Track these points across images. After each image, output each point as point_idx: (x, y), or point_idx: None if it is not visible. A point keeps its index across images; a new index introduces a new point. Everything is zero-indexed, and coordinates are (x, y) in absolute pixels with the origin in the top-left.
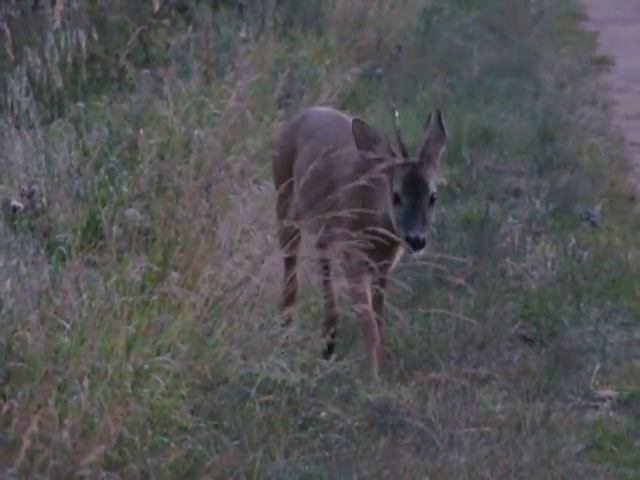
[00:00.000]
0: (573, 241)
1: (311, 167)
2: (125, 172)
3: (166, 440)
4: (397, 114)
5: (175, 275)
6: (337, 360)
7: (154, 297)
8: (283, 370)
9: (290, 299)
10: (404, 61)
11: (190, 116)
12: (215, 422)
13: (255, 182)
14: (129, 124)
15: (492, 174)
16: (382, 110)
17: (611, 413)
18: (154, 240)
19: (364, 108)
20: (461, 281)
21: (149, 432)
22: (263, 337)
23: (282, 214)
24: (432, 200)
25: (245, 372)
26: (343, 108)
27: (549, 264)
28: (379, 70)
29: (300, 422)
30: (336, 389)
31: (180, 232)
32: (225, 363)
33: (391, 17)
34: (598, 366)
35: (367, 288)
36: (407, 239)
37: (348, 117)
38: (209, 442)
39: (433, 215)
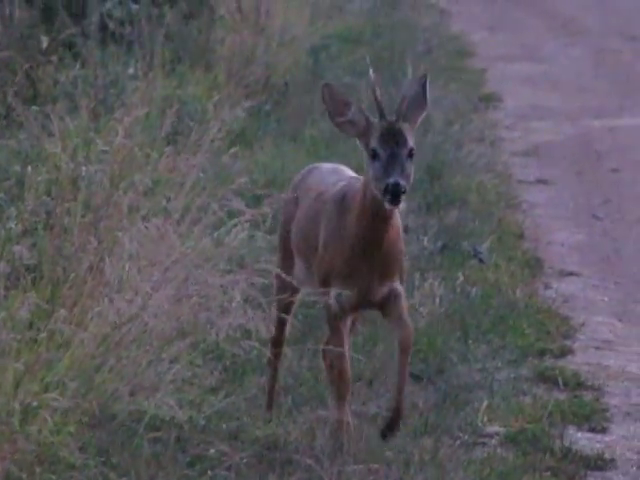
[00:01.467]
0: (461, 278)
1: (302, 225)
2: (12, 209)
3: (54, 477)
4: (372, 72)
5: (63, 312)
6: (225, 397)
7: (42, 334)
8: (171, 407)
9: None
10: (292, 98)
11: (78, 153)
12: (103, 459)
13: (144, 218)
14: (17, 161)
15: None
16: (270, 147)
17: (499, 449)
18: (42, 277)
19: (253, 145)
20: None
21: (37, 469)
22: (151, 374)
23: (282, 272)
24: (411, 154)
25: (133, 409)
26: (232, 145)
27: (437, 301)
28: (267, 107)
29: (188, 459)
30: (224, 426)
31: (68, 269)
32: (113, 400)
33: (279, 54)
34: (486, 403)
35: (344, 341)
36: (385, 188)
37: (349, 170)
38: (97, 479)
39: (412, 171)
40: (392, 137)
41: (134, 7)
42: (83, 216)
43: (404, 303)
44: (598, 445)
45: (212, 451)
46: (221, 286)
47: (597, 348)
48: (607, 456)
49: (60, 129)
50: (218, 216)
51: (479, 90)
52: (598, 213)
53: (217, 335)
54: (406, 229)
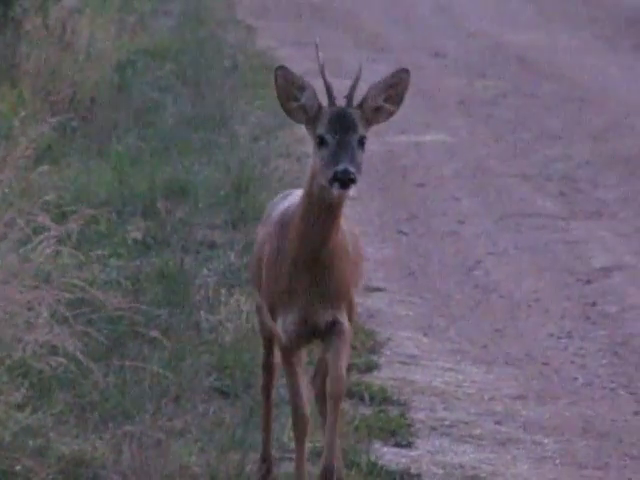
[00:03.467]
0: None
1: (254, 255)
2: None
3: None
4: (320, 54)
5: None
6: (32, 413)
7: None
8: None
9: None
10: (99, 114)
11: None
12: None
13: None
14: None
15: (186, 226)
16: (77, 163)
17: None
18: None
19: (59, 161)
20: (156, 333)
21: None
22: None
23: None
24: (361, 142)
25: None
26: (39, 161)
27: (244, 316)
28: (74, 123)
29: None
30: (31, 442)
31: None
32: None
33: (85, 70)
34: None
35: (298, 377)
36: (334, 175)
37: None
38: None
39: (362, 160)
40: (341, 123)
41: None
42: None
43: (345, 346)
44: (404, 460)
45: (18, 468)
46: (27, 302)
47: (403, 363)
48: (413, 471)
49: None
50: (24, 232)
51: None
52: (404, 228)
53: (23, 351)
54: (212, 244)
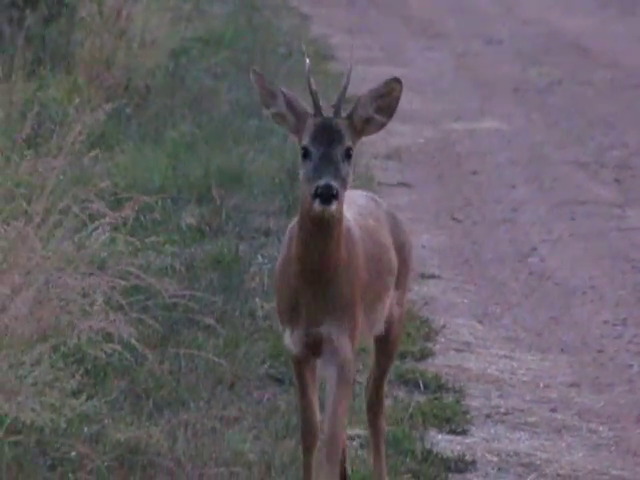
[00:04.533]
0: None
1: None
2: None
3: None
4: (307, 60)
5: None
6: (87, 400)
7: None
8: (32, 410)
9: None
10: (153, 101)
11: None
12: None
13: (4, 222)
14: None
15: (241, 213)
16: (131, 150)
17: (360, 452)
18: None
19: (114, 148)
20: (211, 321)
21: None
22: (12, 377)
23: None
24: (348, 154)
25: None
26: (93, 148)
27: None
28: (128, 110)
29: (50, 462)
30: (86, 429)
31: None
32: None
33: (140, 57)
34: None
35: (308, 389)
36: (316, 191)
37: (363, 198)
38: None
39: (349, 173)
40: (326, 134)
41: None
42: None
43: (344, 384)
44: (459, 447)
45: (73, 454)
46: (82, 289)
47: (457, 350)
48: (468, 458)
49: None
50: (79, 219)
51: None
52: (458, 216)
53: (78, 338)
54: (267, 231)
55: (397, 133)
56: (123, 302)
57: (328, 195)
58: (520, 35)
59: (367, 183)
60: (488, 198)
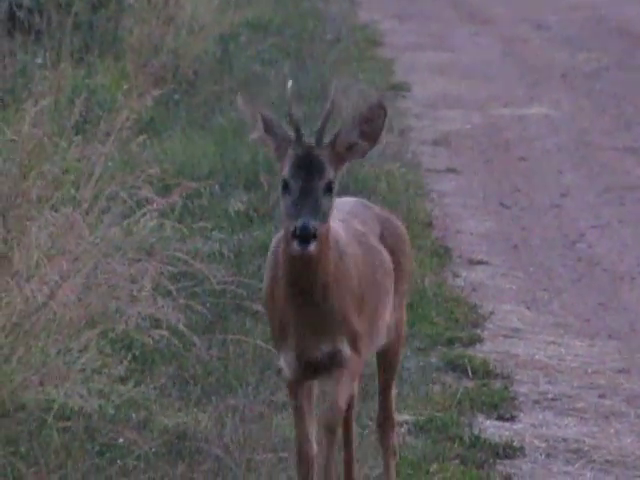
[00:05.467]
0: None
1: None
2: None
3: None
4: (290, 83)
5: None
6: (135, 386)
7: None
8: (81, 396)
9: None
10: (201, 87)
11: None
12: (12, 449)
13: (53, 208)
14: None
15: None
16: (179, 136)
17: (408, 438)
18: None
19: (161, 134)
20: (259, 307)
21: None
22: (60, 363)
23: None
24: (329, 188)
25: (42, 398)
26: (140, 133)
27: None
28: (176, 96)
29: (97, 448)
30: (134, 415)
31: None
32: (22, 389)
33: (188, 43)
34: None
35: (303, 416)
36: (294, 232)
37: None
38: (5, 469)
39: (331, 206)
40: (306, 166)
41: None
42: None
43: (345, 375)
44: (507, 433)
45: (121, 440)
46: (130, 275)
47: (506, 336)
48: (516, 444)
49: None
50: (127, 205)
51: (388, 79)
52: (506, 201)
53: (126, 324)
54: None
55: (445, 119)
56: (171, 288)
57: (306, 236)
58: (568, 20)
59: (414, 169)
60: (536, 184)
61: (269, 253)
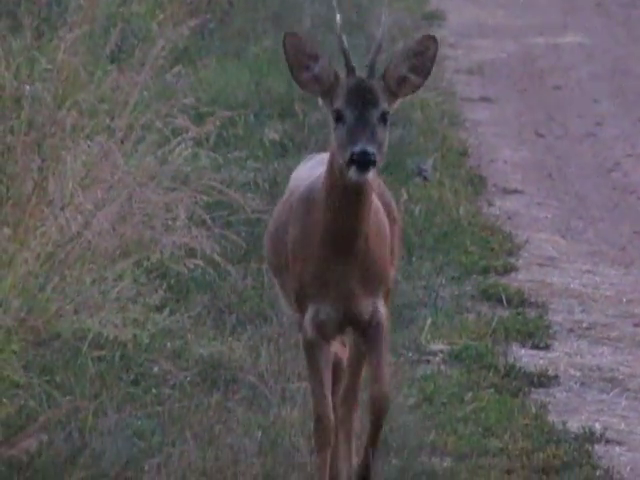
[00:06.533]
0: (405, 196)
1: (272, 236)
2: None
3: None
4: (338, 17)
5: (7, 231)
6: (169, 315)
7: None
8: (115, 325)
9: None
10: (236, 16)
11: (21, 71)
12: (47, 378)
13: (87, 137)
14: None
15: (324, 129)
16: (214, 65)
17: (442, 367)
18: None
19: (196, 63)
20: None
21: None
22: (95, 292)
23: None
24: (384, 118)
25: (77, 327)
26: (176, 63)
27: None
28: (211, 25)
29: (132, 377)
30: (168, 344)
31: (11, 188)
32: (57, 318)
33: None
34: (429, 320)
35: (324, 378)
36: (351, 157)
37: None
38: (41, 397)
39: (385, 138)
40: (361, 96)
41: None
42: (26, 135)
43: (384, 342)
44: (541, 362)
45: (156, 369)
46: (165, 204)
47: (540, 265)
48: (550, 373)
49: (3, 48)
50: (162, 134)
51: (423, 8)
52: (541, 130)
53: (161, 253)
54: None
55: (479, 48)
56: (206, 217)
57: (365, 162)
58: None
59: (449, 98)
60: (571, 113)
61: (297, 202)
